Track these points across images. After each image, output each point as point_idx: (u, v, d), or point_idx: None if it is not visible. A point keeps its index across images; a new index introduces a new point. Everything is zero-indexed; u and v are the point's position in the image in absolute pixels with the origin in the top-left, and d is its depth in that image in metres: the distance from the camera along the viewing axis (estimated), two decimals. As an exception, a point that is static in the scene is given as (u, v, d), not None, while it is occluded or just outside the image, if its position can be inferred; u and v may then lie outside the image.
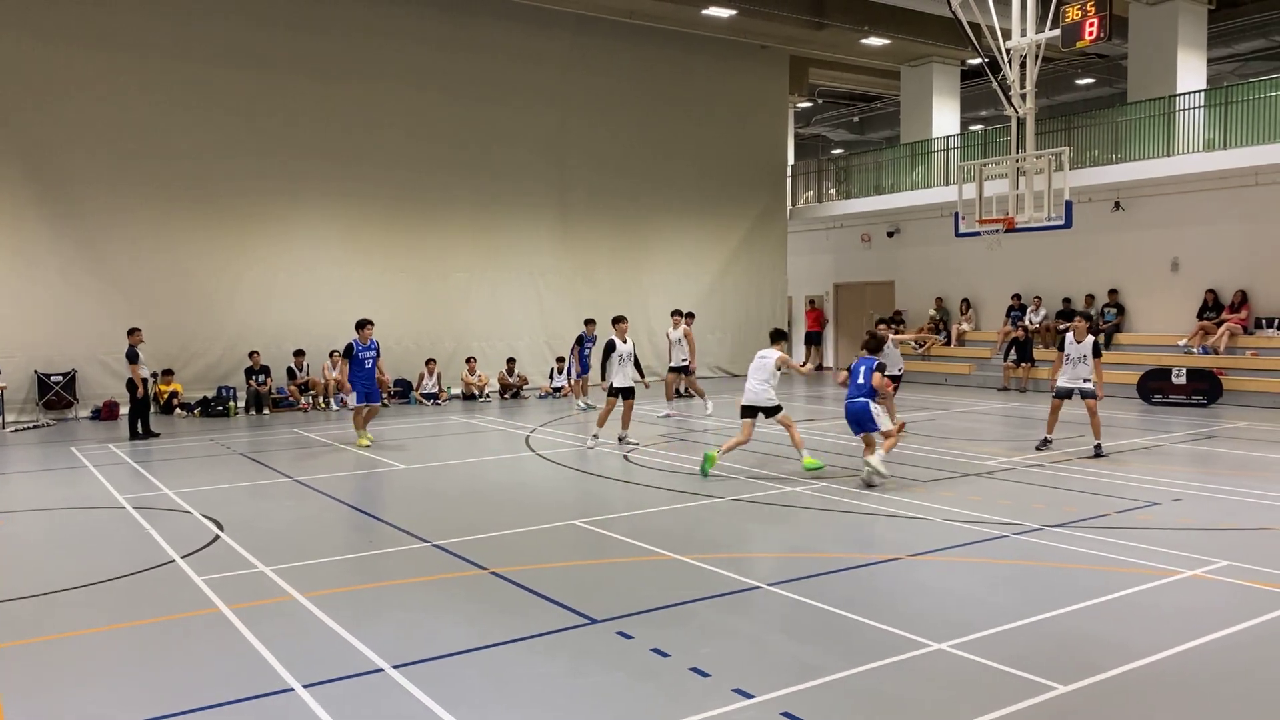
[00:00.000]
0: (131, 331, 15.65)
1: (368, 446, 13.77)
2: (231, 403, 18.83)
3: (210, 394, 18.93)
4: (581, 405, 18.81)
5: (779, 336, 11.82)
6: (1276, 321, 19.01)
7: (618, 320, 14.14)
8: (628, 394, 13.66)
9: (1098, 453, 12.19)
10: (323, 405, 19.42)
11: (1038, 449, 12.68)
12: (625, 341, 13.71)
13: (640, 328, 24.62)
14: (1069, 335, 12.58)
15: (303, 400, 19.29)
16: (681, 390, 19.40)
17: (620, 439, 13.72)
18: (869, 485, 10.33)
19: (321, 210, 20.46)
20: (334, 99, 20.34)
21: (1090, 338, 12.45)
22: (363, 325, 14.07)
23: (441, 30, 21.57)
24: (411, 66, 21.22)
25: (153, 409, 18.42)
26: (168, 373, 18.58)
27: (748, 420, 11.41)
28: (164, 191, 18.79)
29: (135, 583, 7.22)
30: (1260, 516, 8.78)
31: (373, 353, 14.05)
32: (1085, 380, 12.35)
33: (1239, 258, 19.69)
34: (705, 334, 25.88)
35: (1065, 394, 12.57)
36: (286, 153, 19.92)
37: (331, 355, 19.55)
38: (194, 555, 7.92)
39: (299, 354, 19.47)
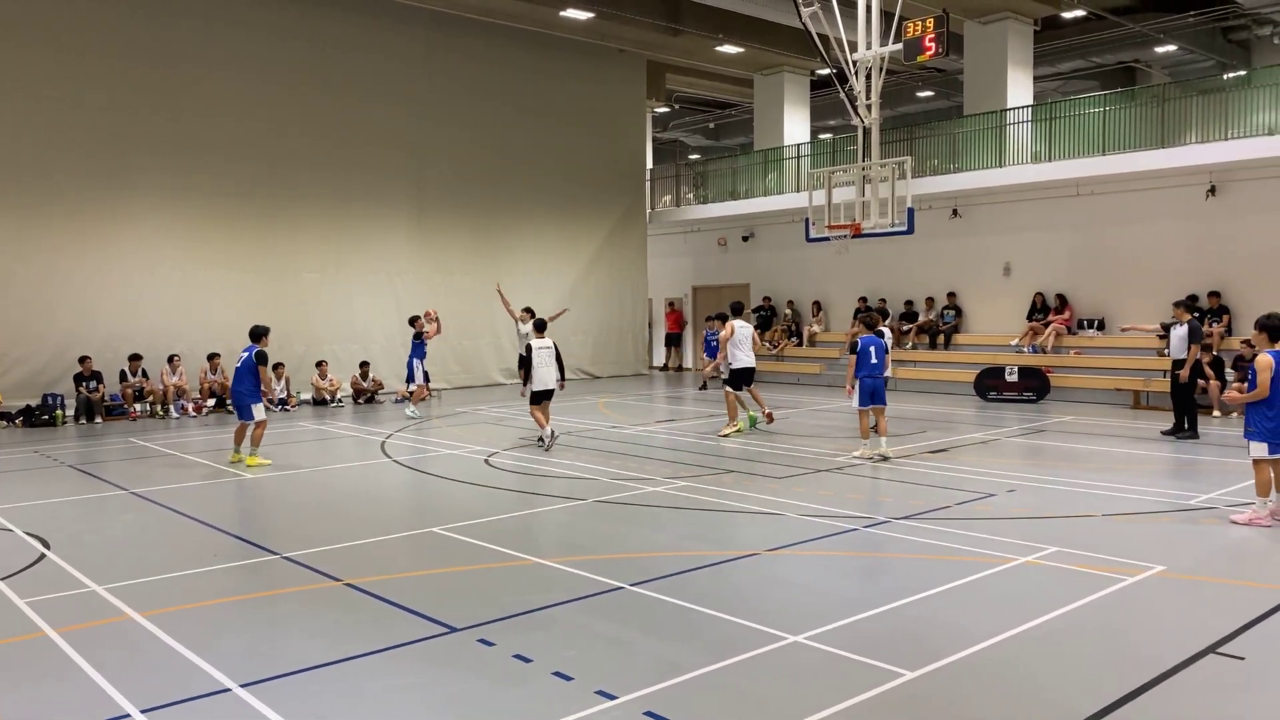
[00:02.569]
0: None
1: (254, 465, 12.31)
2: (59, 411, 17.55)
3: (35, 402, 17.59)
4: (409, 411, 17.71)
5: (740, 309, 15.23)
6: (1096, 322, 20.48)
7: (539, 324, 13.77)
8: (543, 397, 13.49)
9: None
10: (160, 413, 18.35)
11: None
12: (544, 344, 13.47)
13: (503, 329, 24.40)
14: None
15: (134, 409, 18.14)
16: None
17: (547, 436, 13.45)
18: (884, 459, 12.01)
19: (159, 207, 19.29)
20: (173, 88, 19.22)
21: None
22: (260, 334, 12.62)
23: (289, 20, 20.74)
24: (257, 57, 20.30)
25: (-33, 419, 17.09)
26: (-18, 380, 17.22)
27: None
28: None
29: (-53, 609, 6.64)
30: (1085, 504, 9.44)
31: (237, 363, 12.75)
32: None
33: (1063, 263, 21.11)
34: (568, 336, 25.86)
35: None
36: (120, 145, 18.69)
37: (171, 360, 18.52)
38: (16, 576, 7.34)
39: (134, 359, 18.34)
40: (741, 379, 14.88)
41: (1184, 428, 14.17)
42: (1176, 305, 14.76)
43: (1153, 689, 5.02)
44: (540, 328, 13.67)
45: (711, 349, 21.26)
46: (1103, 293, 20.45)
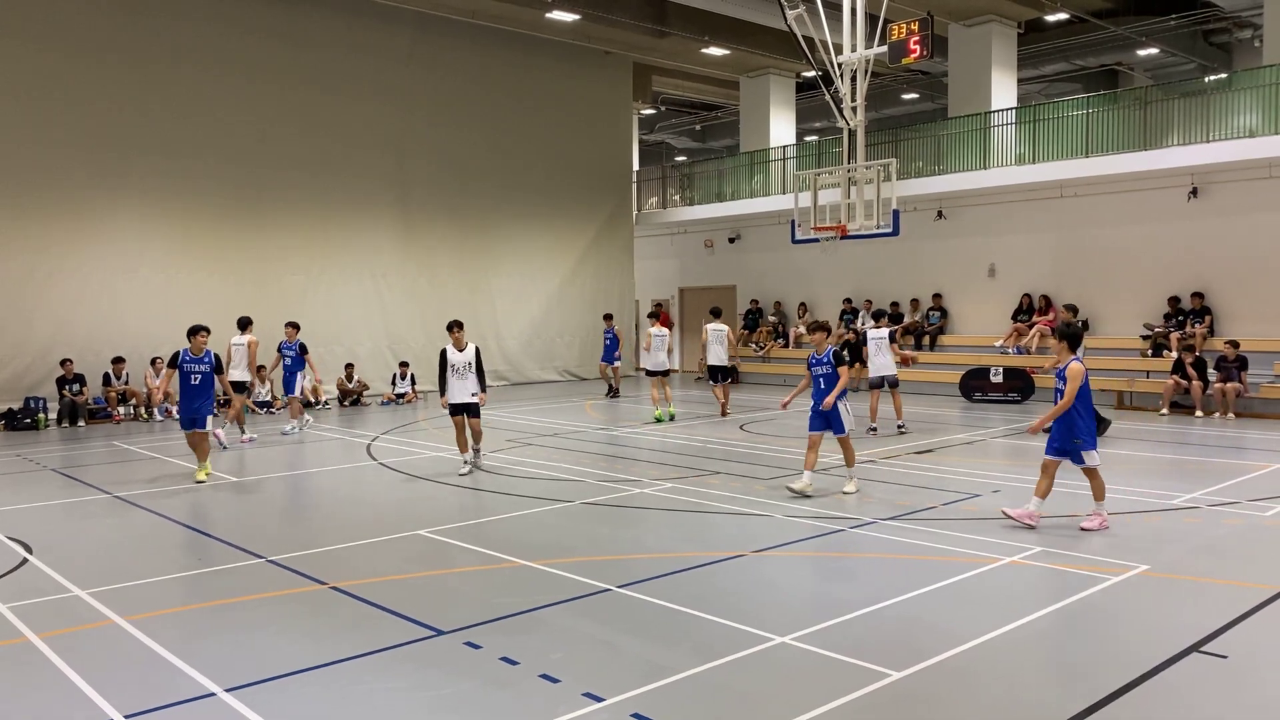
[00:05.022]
0: None
1: (203, 481, 11.37)
2: (41, 414, 17.41)
3: (17, 405, 17.45)
4: (287, 428, 16.01)
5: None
6: (1080, 324, 20.58)
7: (452, 326, 12.03)
8: (457, 410, 11.76)
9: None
10: (145, 416, 18.23)
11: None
12: (461, 350, 11.80)
13: (489, 330, 24.38)
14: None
15: (117, 411, 18.02)
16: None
17: (465, 461, 11.89)
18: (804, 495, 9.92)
19: (142, 208, 19.17)
20: (156, 88, 19.12)
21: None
22: (194, 333, 11.82)
23: (273, 20, 20.66)
24: (240, 56, 20.21)
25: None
26: (-38, 384, 17.08)
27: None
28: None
29: (-72, 614, 6.57)
30: (1068, 505, 9.48)
31: (205, 366, 11.65)
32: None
33: (1047, 264, 21.23)
34: (553, 337, 25.90)
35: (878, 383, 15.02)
36: (102, 145, 18.57)
37: (154, 362, 18.40)
38: (-3, 581, 7.28)
39: (118, 361, 18.22)
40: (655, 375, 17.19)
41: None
42: (1065, 308, 15.53)
43: (1137, 688, 5.05)
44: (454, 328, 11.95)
45: (610, 350, 21.30)
46: (1087, 294, 20.57)
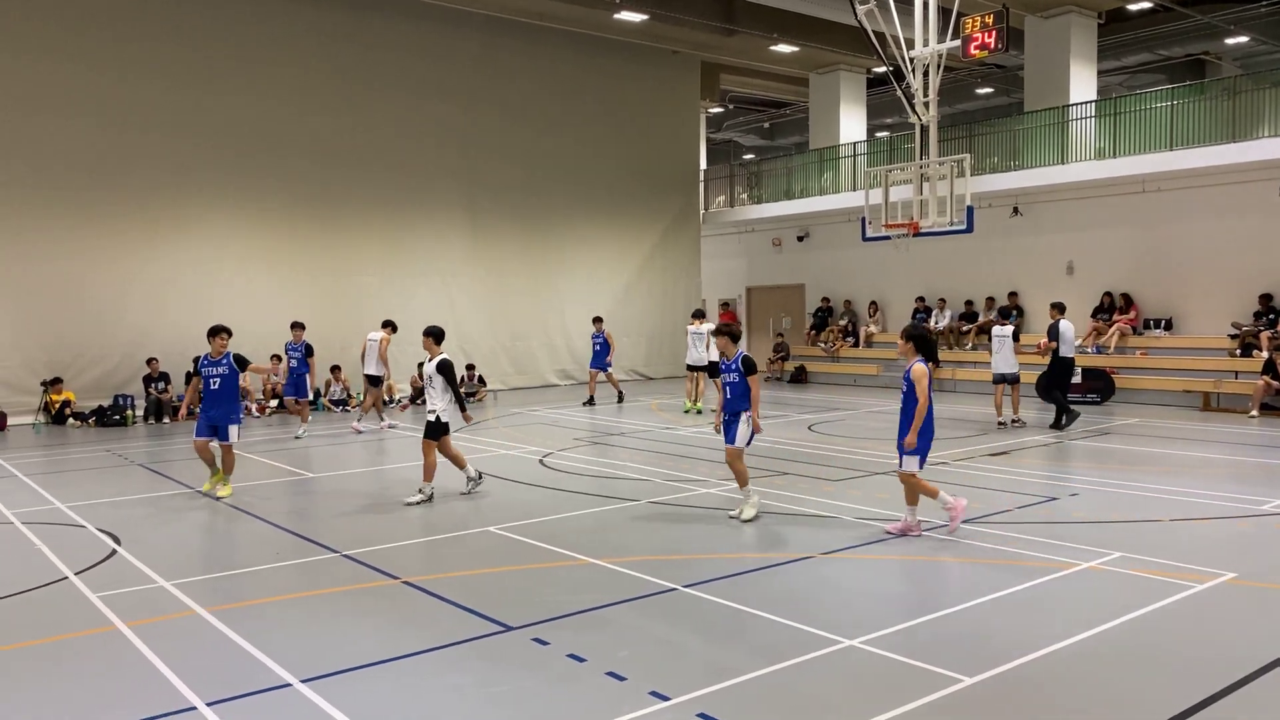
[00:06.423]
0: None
1: (213, 492, 10.57)
2: (129, 411, 18.10)
3: (106, 403, 18.16)
4: (299, 431, 15.48)
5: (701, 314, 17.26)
6: (1164, 322, 19.94)
7: (425, 333, 10.66)
8: (430, 431, 10.22)
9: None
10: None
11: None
12: (430, 360, 10.41)
13: (556, 330, 24.59)
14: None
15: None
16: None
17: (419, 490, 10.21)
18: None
19: (222, 210, 19.78)
20: (238, 92, 19.70)
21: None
22: (213, 334, 10.73)
23: (347, 27, 21.14)
24: (320, 61, 20.73)
25: (44, 419, 17.70)
26: (56, 381, 17.83)
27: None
28: (50, 197, 17.89)
29: (24, 602, 6.87)
30: (1151, 509, 9.20)
31: (224, 369, 10.63)
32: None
33: (1128, 261, 20.59)
34: (620, 337, 25.94)
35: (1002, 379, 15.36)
36: (187, 151, 19.21)
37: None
38: (88, 571, 7.57)
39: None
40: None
41: (1060, 421, 14.97)
42: (1052, 306, 15.40)
43: (1221, 700, 4.87)
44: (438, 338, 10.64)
45: (600, 356, 19.85)
46: (1170, 292, 19.92)
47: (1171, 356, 19.31)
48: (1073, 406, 15.33)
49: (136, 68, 18.66)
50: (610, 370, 20.13)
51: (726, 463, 9.19)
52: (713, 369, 17.47)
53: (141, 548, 8.32)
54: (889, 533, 8.38)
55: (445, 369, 10.30)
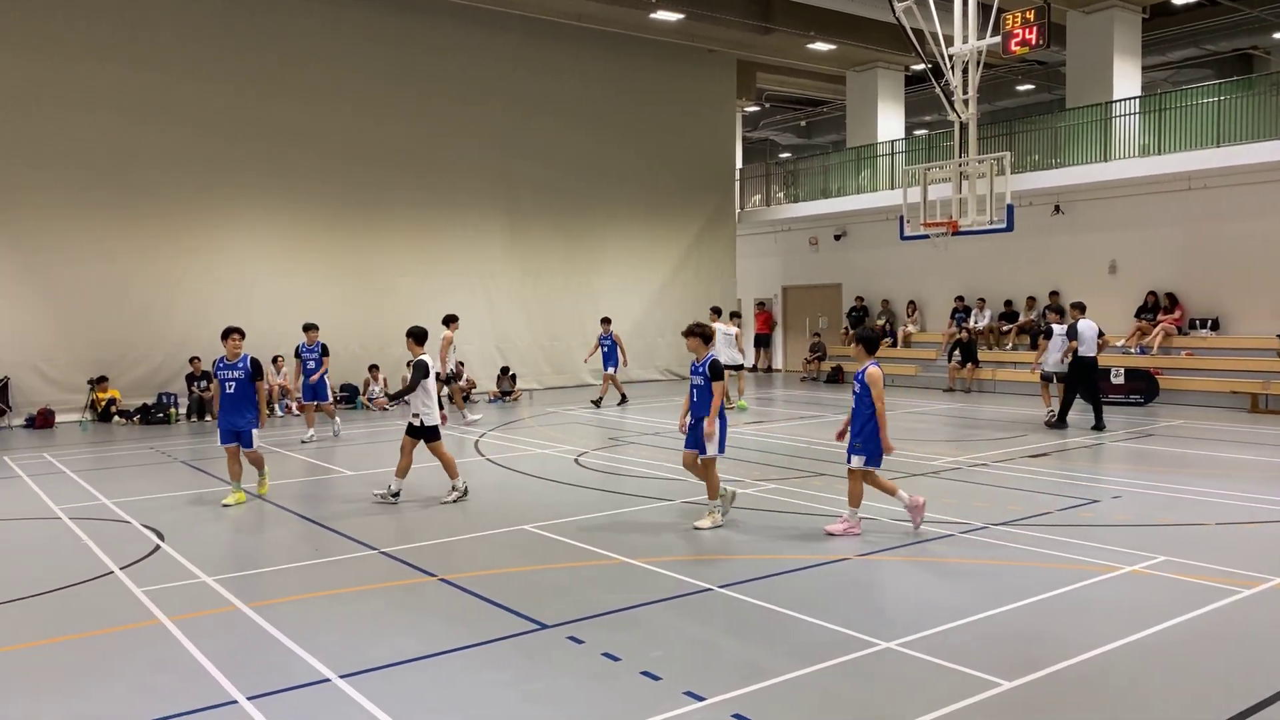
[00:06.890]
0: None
1: (238, 502, 10.18)
2: (173, 409, 18.43)
3: (150, 401, 18.51)
4: (307, 435, 15.09)
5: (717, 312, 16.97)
6: (1210, 322, 19.56)
7: (408, 334, 10.41)
8: (413, 433, 10.16)
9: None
10: (267, 411, 19.02)
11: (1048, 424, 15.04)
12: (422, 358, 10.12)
13: (591, 329, 24.62)
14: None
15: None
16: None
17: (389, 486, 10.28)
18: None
19: (262, 211, 20.09)
20: (276, 95, 19.99)
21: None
22: (226, 335, 10.41)
23: (386, 28, 21.34)
24: (359, 61, 20.95)
25: (91, 417, 18.08)
26: (102, 380, 18.21)
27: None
28: (96, 199, 18.31)
29: (71, 595, 7.02)
30: (1195, 512, 9.03)
31: (239, 373, 10.22)
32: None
33: (1173, 260, 20.23)
34: (655, 337, 25.99)
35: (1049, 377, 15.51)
36: (225, 156, 19.52)
37: (275, 360, 19.22)
38: (133, 566, 7.72)
39: (242, 359, 19.09)
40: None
41: (1062, 421, 14.95)
42: (1072, 306, 15.24)
43: (1266, 709, 4.77)
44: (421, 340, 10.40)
45: (609, 357, 19.58)
46: (1216, 292, 19.54)
47: (1218, 357, 18.94)
48: (1066, 417, 14.93)
49: (181, 71, 18.99)
50: (610, 371, 19.83)
51: (683, 465, 9.02)
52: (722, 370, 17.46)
53: (184, 543, 8.46)
54: (829, 533, 8.39)
55: (417, 366, 9.98)
